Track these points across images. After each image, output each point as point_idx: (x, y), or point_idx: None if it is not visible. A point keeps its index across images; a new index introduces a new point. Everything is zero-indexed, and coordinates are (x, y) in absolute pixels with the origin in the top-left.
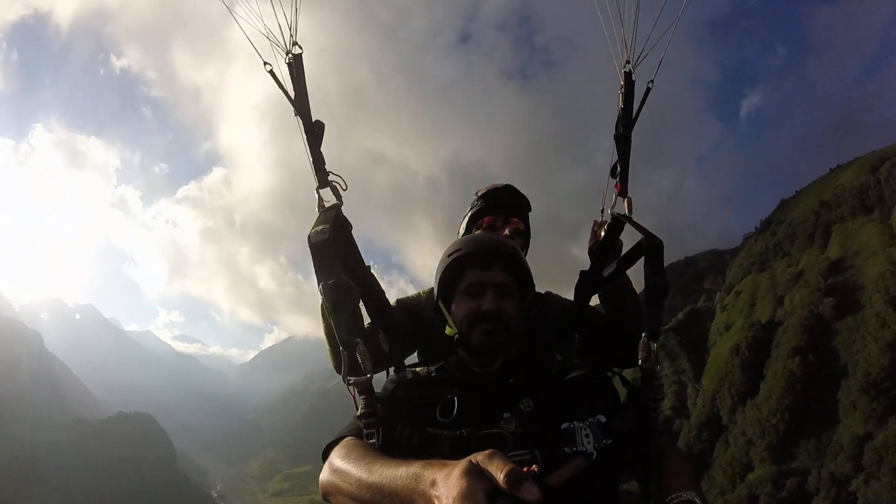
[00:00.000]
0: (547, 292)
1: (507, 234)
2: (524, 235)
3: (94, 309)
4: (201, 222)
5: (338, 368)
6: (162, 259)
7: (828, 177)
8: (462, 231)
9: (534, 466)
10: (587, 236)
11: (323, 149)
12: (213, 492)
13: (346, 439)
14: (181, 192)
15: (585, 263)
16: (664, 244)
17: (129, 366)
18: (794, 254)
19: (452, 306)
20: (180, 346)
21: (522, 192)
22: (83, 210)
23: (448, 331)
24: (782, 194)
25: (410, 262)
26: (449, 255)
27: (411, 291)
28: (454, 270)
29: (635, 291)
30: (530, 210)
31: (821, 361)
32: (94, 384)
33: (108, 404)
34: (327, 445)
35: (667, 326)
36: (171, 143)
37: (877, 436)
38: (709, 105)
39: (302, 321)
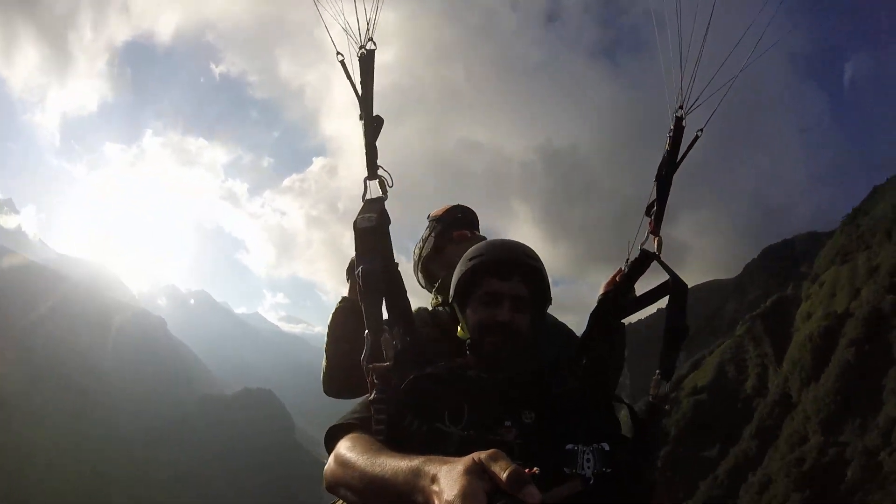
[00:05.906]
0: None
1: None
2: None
3: (206, 294)
4: (305, 210)
5: (325, 385)
6: (269, 245)
7: None
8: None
9: (535, 468)
10: (681, 218)
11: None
12: (325, 460)
13: (351, 433)
14: (286, 182)
15: (677, 251)
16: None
17: (241, 346)
18: (874, 248)
19: (467, 310)
20: (286, 327)
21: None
22: (194, 204)
23: (460, 333)
24: (877, 179)
25: None
26: (469, 260)
27: None
28: (473, 275)
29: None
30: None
31: (875, 352)
32: (212, 364)
33: (227, 382)
34: (331, 429)
35: (755, 313)
36: (277, 139)
37: None
38: (809, 73)
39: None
